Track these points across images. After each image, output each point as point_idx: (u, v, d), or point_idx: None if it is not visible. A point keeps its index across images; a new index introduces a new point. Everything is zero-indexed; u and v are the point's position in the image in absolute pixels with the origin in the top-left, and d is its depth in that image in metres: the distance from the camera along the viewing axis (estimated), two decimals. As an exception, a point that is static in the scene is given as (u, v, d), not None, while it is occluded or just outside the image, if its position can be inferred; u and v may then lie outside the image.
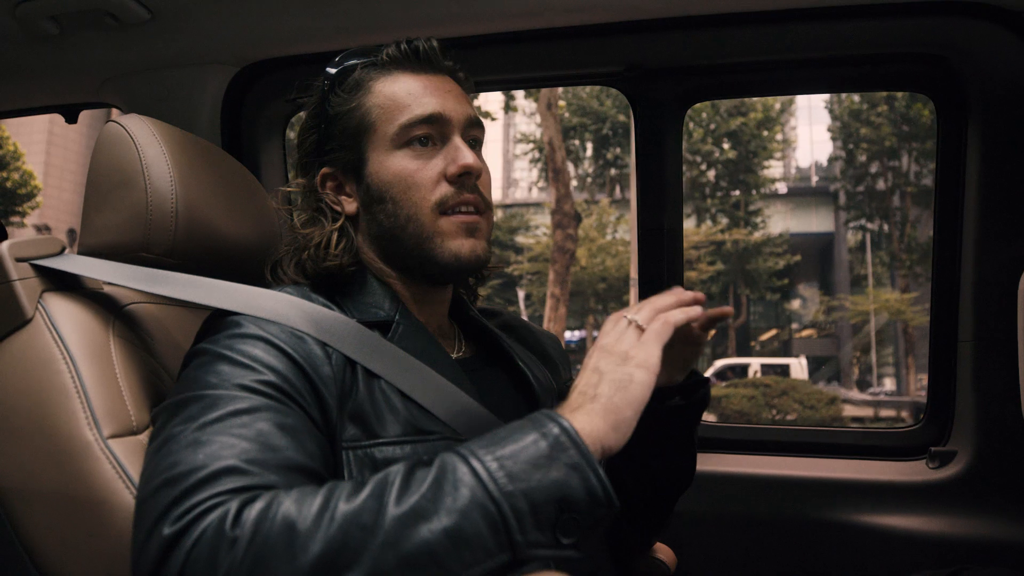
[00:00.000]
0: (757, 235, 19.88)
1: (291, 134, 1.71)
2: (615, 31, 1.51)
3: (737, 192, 19.89)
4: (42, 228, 19.12)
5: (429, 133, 1.01)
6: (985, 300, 1.49)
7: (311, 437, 0.82)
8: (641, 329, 0.83)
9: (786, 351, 22.91)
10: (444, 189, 1.00)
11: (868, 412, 16.63)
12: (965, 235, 1.52)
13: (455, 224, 1.00)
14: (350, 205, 1.06)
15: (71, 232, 19.99)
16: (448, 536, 0.65)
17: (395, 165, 1.01)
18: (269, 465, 0.74)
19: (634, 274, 16.12)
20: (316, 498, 0.68)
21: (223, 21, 1.48)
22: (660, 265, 1.67)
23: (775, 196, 22.94)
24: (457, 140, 1.02)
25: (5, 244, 0.96)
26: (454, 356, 1.09)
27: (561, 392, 1.17)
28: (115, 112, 1.45)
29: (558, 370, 1.23)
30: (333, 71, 1.06)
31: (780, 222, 22.31)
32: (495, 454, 0.70)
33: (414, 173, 1.00)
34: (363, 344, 0.93)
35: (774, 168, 22.02)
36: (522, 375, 1.11)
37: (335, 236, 1.04)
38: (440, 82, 1.05)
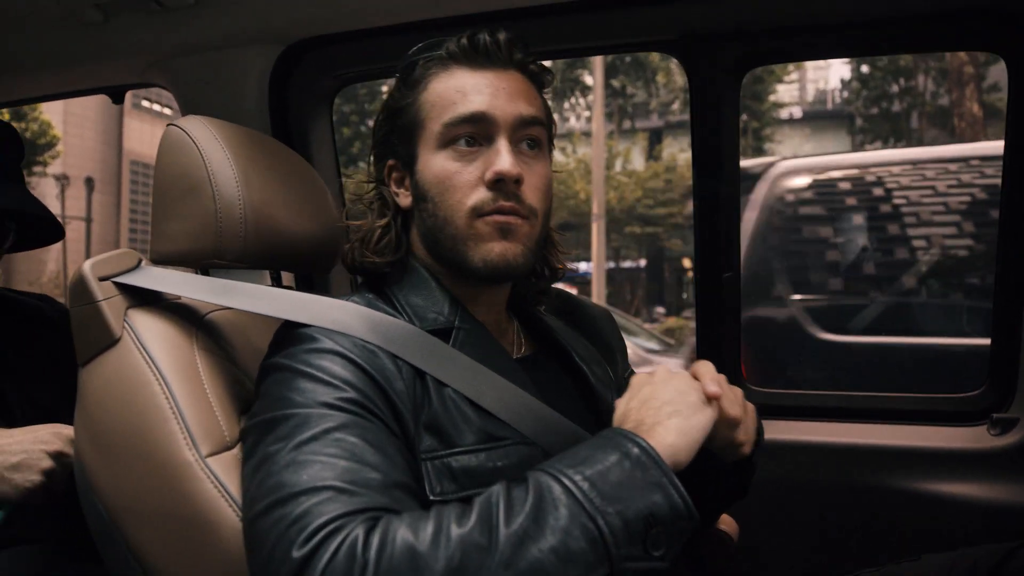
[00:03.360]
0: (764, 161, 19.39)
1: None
2: None
3: (745, 117, 19.36)
4: (61, 178, 19.21)
5: (473, 133, 0.98)
6: None
7: (398, 451, 0.85)
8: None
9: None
10: (481, 194, 0.97)
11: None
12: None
13: (489, 225, 0.98)
14: (405, 199, 1.06)
15: (88, 180, 20.07)
16: (556, 554, 0.69)
17: (437, 165, 1.00)
18: (372, 485, 0.76)
19: (596, 210, 15.89)
20: (429, 522, 0.71)
21: (267, 1, 1.44)
22: (717, 233, 1.64)
23: (789, 121, 22.37)
24: (500, 143, 0.98)
25: (87, 265, 0.98)
26: (515, 355, 1.10)
27: (620, 387, 1.18)
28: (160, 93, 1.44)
29: (615, 357, 1.24)
30: (410, 56, 1.05)
31: (796, 148, 21.76)
32: (584, 474, 0.74)
33: (453, 175, 0.98)
34: (429, 353, 0.94)
35: (784, 93, 21.38)
36: (581, 372, 1.13)
37: (378, 232, 1.05)
38: (498, 78, 1.00)
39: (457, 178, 0.98)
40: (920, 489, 1.56)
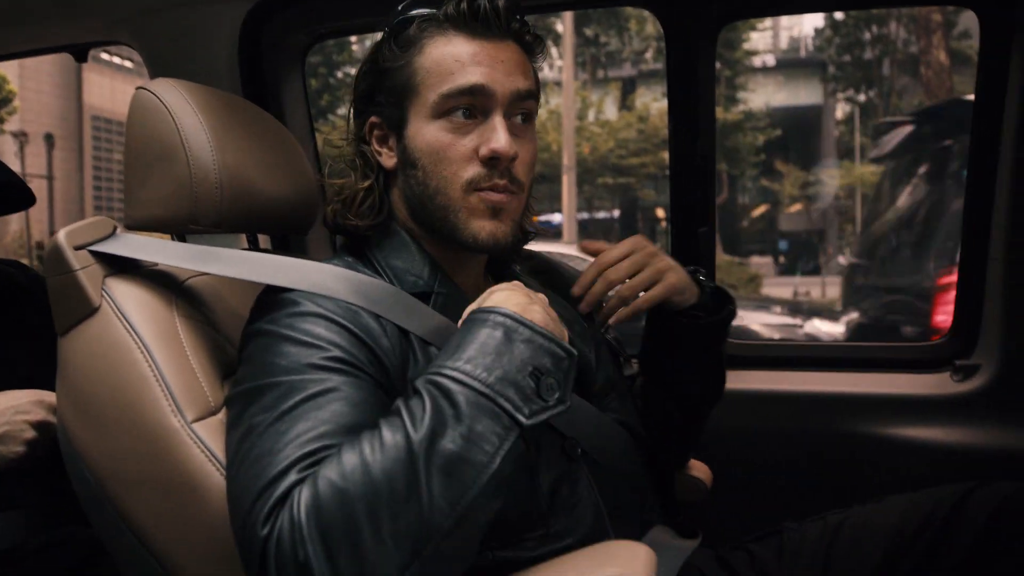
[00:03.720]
0: (735, 111, 19.24)
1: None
2: None
3: (718, 66, 19.11)
4: (19, 135, 18.61)
5: (471, 104, 0.97)
6: (1019, 220, 1.50)
7: (383, 407, 0.85)
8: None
9: (771, 227, 22.87)
10: (475, 169, 0.98)
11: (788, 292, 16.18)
12: (1002, 152, 1.50)
13: (482, 201, 0.98)
14: (389, 160, 1.05)
15: (48, 136, 19.47)
16: (465, 439, 0.73)
17: (430, 135, 0.98)
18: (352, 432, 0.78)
19: (567, 161, 15.80)
20: (349, 455, 0.73)
21: None
22: (693, 188, 1.66)
23: (762, 69, 22.26)
24: (496, 119, 0.97)
25: (62, 234, 0.96)
26: None
27: (597, 339, 1.20)
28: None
29: (592, 316, 1.26)
30: (398, 15, 1.02)
31: (769, 96, 21.68)
32: (462, 358, 0.78)
33: (447, 147, 0.98)
34: (412, 313, 0.95)
35: (757, 41, 21.22)
36: None
37: (361, 194, 1.04)
38: (496, 49, 0.99)
39: (451, 150, 0.97)
40: (886, 434, 1.62)
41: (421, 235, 1.06)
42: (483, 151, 0.96)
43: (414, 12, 1.01)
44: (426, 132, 0.98)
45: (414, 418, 0.74)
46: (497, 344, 0.79)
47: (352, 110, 1.09)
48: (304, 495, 0.71)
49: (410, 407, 0.76)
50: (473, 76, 0.96)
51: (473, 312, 0.85)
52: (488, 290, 0.91)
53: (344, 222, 1.05)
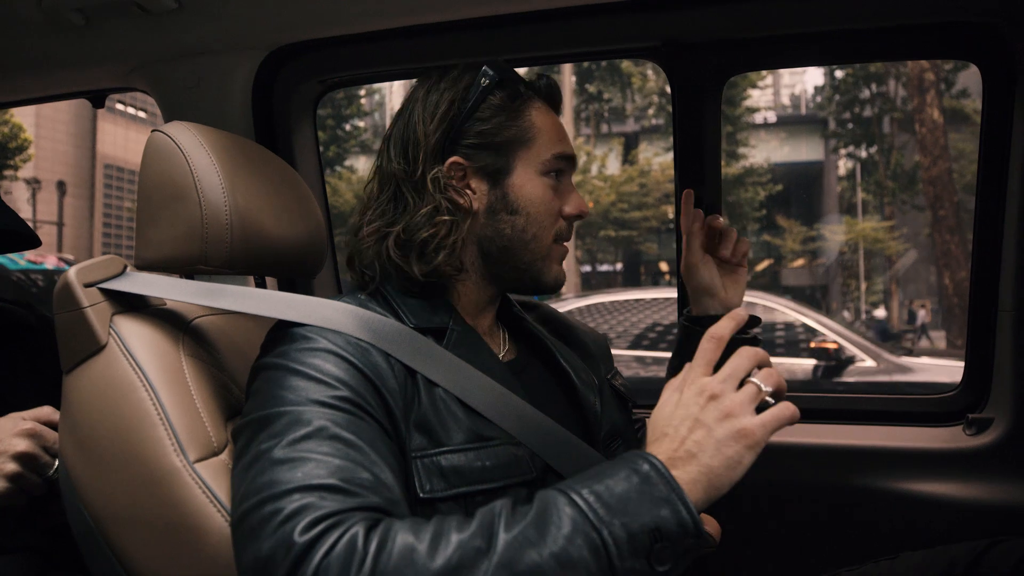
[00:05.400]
0: (736, 166, 19.44)
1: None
2: (652, 6, 1.47)
3: None
4: (32, 182, 18.91)
5: (565, 168, 1.11)
6: None
7: (390, 450, 0.86)
8: (766, 401, 0.83)
9: (775, 282, 22.90)
10: (562, 224, 1.11)
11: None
12: (1008, 203, 1.51)
13: (560, 251, 1.12)
14: (477, 202, 1.06)
15: (60, 184, 19.78)
16: (556, 559, 0.70)
17: (539, 187, 1.08)
18: (365, 484, 0.78)
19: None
20: (429, 527, 0.73)
21: (250, 7, 1.44)
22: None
23: (764, 126, 22.61)
24: (572, 184, 1.13)
25: (72, 271, 0.97)
26: (501, 357, 1.12)
27: (602, 386, 1.19)
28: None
29: (598, 365, 1.26)
30: (492, 72, 1.07)
31: (771, 152, 21.98)
32: (590, 487, 0.75)
33: (550, 202, 1.08)
34: (420, 351, 0.95)
35: (759, 98, 21.60)
36: (565, 374, 1.15)
37: (441, 233, 1.02)
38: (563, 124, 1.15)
39: (552, 205, 1.09)
40: (899, 488, 1.59)
41: (464, 277, 1.08)
42: (570, 210, 1.11)
43: (510, 74, 1.09)
44: (536, 184, 1.08)
45: (513, 518, 0.73)
46: (632, 488, 0.75)
47: (424, 152, 1.05)
48: (375, 536, 0.71)
49: (514, 507, 0.75)
50: (569, 146, 1.12)
51: (629, 452, 0.81)
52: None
53: (407, 266, 1.02)
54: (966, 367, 1.66)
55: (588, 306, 7.02)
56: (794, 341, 6.14)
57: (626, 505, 0.73)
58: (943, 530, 1.49)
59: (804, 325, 6.11)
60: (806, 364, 5.87)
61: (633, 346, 6.52)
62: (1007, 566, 1.08)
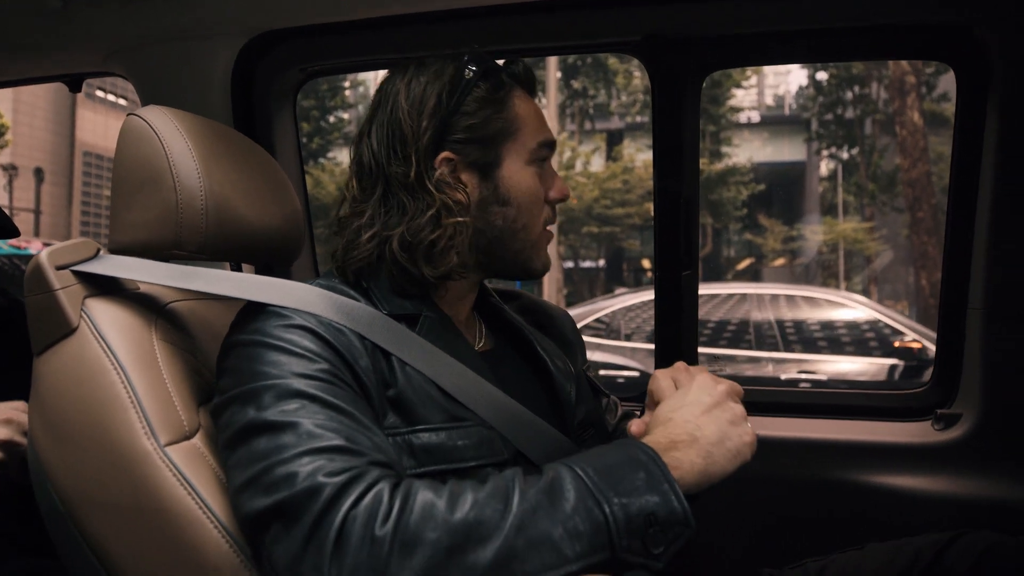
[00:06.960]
0: (719, 165, 19.52)
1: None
2: (633, 1, 1.48)
3: (702, 121, 19.44)
4: (9, 168, 18.63)
5: (547, 156, 1.12)
6: (998, 269, 1.52)
7: (373, 421, 0.88)
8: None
9: (756, 280, 23.05)
10: (548, 210, 1.13)
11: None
12: (980, 203, 1.53)
13: (548, 236, 1.13)
14: (471, 195, 1.05)
15: (38, 170, 19.50)
16: (564, 528, 0.75)
17: (528, 177, 1.08)
18: (368, 446, 0.81)
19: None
20: (447, 487, 0.78)
21: None
22: (677, 233, 1.68)
23: (747, 125, 22.73)
24: (553, 168, 1.14)
25: (44, 253, 0.96)
26: (477, 348, 1.12)
27: (579, 379, 1.20)
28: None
29: (575, 353, 1.27)
30: (474, 67, 1.05)
31: (754, 151, 22.09)
32: (593, 465, 0.81)
33: (537, 190, 1.10)
34: (393, 336, 0.96)
35: (743, 98, 21.73)
36: (542, 363, 1.15)
37: (450, 231, 1.01)
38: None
39: (539, 193, 1.10)
40: (868, 482, 1.61)
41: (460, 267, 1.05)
42: (554, 194, 1.12)
43: (491, 64, 1.08)
44: (524, 174, 1.08)
45: (526, 485, 0.78)
46: (629, 471, 0.81)
47: (416, 148, 1.03)
48: (399, 492, 0.75)
49: (525, 476, 0.80)
50: (550, 132, 1.13)
51: (627, 440, 0.88)
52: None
53: (414, 267, 1.01)
54: (935, 363, 1.69)
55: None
56: (883, 339, 6.25)
57: (623, 485, 0.79)
58: (910, 523, 1.52)
59: (889, 325, 6.27)
60: (890, 363, 6.03)
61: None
62: (970, 558, 1.10)
